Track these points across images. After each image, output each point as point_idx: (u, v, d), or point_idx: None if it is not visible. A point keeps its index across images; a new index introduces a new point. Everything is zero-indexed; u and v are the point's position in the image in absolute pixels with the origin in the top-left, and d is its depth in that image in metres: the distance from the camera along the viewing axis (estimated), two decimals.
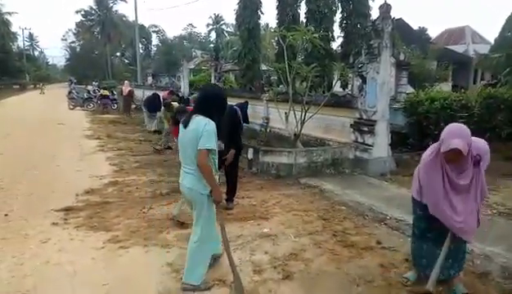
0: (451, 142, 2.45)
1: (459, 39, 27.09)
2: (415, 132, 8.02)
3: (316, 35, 7.48)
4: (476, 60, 19.17)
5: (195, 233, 3.10)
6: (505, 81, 11.97)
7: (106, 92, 19.68)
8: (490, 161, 2.76)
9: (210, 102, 3.01)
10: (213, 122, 2.90)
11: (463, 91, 9.85)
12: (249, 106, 6.95)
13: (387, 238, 4.01)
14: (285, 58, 7.74)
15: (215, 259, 3.39)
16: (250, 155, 6.90)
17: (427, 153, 2.77)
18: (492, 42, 22.22)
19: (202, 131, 2.82)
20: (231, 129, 4.84)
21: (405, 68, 10.90)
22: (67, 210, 4.86)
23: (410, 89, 11.80)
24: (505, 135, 8.38)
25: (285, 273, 3.28)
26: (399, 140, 7.86)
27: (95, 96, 20.16)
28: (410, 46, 18.08)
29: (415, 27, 24.63)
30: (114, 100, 19.48)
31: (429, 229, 2.88)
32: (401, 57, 10.59)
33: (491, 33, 58.96)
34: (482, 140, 2.75)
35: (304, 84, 7.32)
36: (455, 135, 2.49)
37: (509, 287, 3.03)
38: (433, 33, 28.15)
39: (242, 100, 7.00)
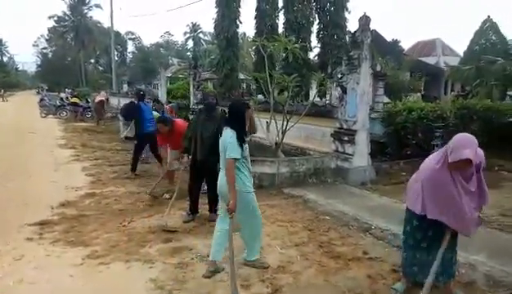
0: (462, 152, 2.49)
1: (430, 51, 28.03)
2: (393, 142, 8.17)
3: (297, 45, 7.53)
4: (448, 72, 19.86)
5: (223, 222, 3.49)
6: (476, 92, 12.44)
7: (76, 100, 19.18)
8: None
9: (235, 116, 3.49)
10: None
11: (438, 101, 10.15)
12: None
13: (373, 248, 4.01)
14: (266, 68, 7.75)
15: None
16: None
17: (431, 164, 2.76)
18: (461, 54, 23.20)
19: (228, 142, 3.32)
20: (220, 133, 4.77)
21: (381, 78, 11.12)
22: (42, 224, 4.64)
23: (385, 99, 12.07)
24: (482, 143, 8.66)
25: (273, 287, 3.21)
26: (378, 150, 7.98)
27: (68, 104, 19.61)
28: (384, 57, 18.57)
29: (388, 39, 25.37)
30: (89, 108, 19.01)
31: (424, 239, 2.91)
32: (378, 68, 10.84)
33: (460, 45, 61.45)
34: (479, 149, 2.75)
35: (286, 94, 7.32)
36: (466, 145, 2.53)
37: None
38: (406, 44, 28.97)
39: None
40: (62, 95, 23.37)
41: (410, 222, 2.99)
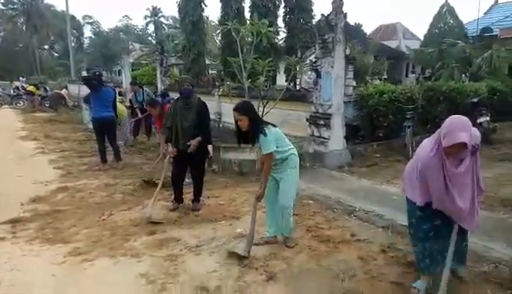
0: (456, 135, 2.39)
1: (391, 35, 28.77)
2: (366, 124, 8.32)
3: (270, 29, 7.43)
4: (411, 55, 20.46)
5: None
6: (439, 74, 12.91)
7: (32, 88, 18.10)
8: None
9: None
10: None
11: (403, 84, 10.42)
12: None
13: (359, 230, 4.08)
14: (240, 52, 7.61)
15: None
16: (210, 152, 6.69)
17: (425, 151, 2.64)
18: (421, 38, 23.95)
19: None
20: (200, 121, 4.64)
21: (351, 62, 11.28)
22: (13, 222, 4.35)
23: (353, 83, 12.27)
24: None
25: (268, 275, 3.19)
26: (351, 133, 8.10)
27: (24, 93, 18.47)
28: (350, 41, 18.82)
29: (351, 23, 25.74)
30: (47, 97, 18.00)
31: (431, 229, 2.80)
32: (347, 52, 10.98)
33: (419, 29, 63.49)
34: (476, 130, 2.65)
35: (261, 78, 7.23)
36: (460, 128, 2.42)
37: (478, 270, 3.20)
38: (367, 29, 29.56)
39: None
40: (17, 83, 21.89)
41: (413, 214, 2.89)
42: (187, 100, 4.65)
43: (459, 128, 2.43)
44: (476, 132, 2.62)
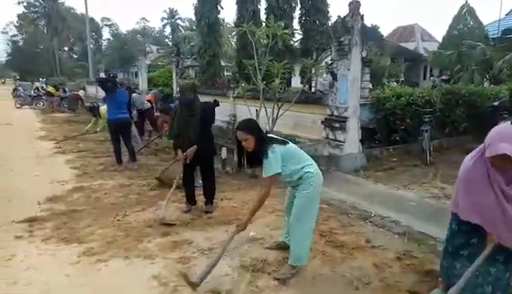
0: (498, 146, 2.15)
1: (409, 37, 28.32)
2: (382, 128, 8.19)
3: (286, 31, 7.39)
4: (429, 57, 20.10)
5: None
6: (458, 77, 12.63)
7: (51, 89, 18.48)
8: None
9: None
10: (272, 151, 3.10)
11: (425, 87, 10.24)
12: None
13: (374, 236, 4.00)
14: (255, 54, 7.59)
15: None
16: (224, 155, 6.71)
17: (467, 159, 2.43)
18: (439, 39, 23.52)
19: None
20: (205, 126, 4.65)
21: (367, 64, 11.16)
22: (30, 221, 4.42)
23: (369, 85, 12.13)
24: (463, 128, 8.83)
25: (281, 280, 3.16)
26: (367, 136, 7.99)
27: (44, 94, 18.89)
28: (367, 43, 18.62)
29: (367, 24, 25.44)
30: (66, 97, 18.36)
31: (464, 246, 2.54)
32: (364, 54, 10.87)
33: (437, 31, 62.51)
34: None
35: (276, 81, 7.19)
36: (504, 138, 2.17)
37: None
38: (384, 30, 29.24)
39: (208, 99, 6.59)
40: (37, 84, 22.44)
41: (450, 226, 2.68)
42: (190, 108, 4.60)
43: (502, 138, 2.18)
44: None
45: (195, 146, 4.55)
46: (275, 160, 3.06)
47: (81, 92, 18.21)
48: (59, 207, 4.95)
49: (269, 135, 3.43)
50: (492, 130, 2.30)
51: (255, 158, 3.19)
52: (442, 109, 8.42)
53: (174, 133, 4.74)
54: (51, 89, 18.50)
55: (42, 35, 48.67)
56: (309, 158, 3.35)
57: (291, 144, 3.29)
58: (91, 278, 3.25)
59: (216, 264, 3.01)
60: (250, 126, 3.24)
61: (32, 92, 19.64)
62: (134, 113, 9.20)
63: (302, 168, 3.19)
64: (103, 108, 8.07)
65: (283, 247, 3.64)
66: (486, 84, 11.92)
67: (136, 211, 4.78)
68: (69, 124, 13.02)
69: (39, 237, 4.00)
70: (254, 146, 3.14)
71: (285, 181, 3.32)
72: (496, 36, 15.37)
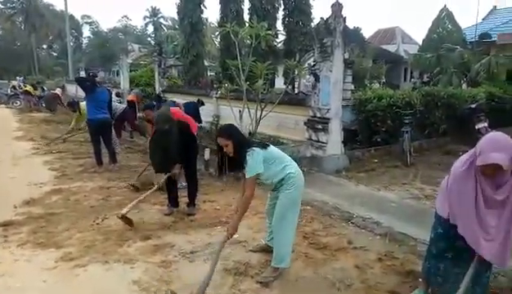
0: (489, 156, 2.13)
1: (390, 39, 28.76)
2: (364, 129, 8.29)
3: (270, 32, 7.39)
4: (410, 59, 20.48)
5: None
6: (437, 79, 12.90)
7: (29, 88, 17.98)
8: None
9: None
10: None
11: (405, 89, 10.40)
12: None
13: (356, 237, 4.04)
14: (238, 55, 7.56)
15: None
16: (207, 156, 6.66)
17: (458, 164, 2.42)
18: (420, 42, 23.97)
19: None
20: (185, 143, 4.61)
21: (349, 66, 11.28)
22: (5, 225, 4.28)
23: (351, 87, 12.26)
24: (442, 130, 9.03)
25: (263, 282, 3.14)
26: (349, 137, 8.08)
27: (21, 93, 18.37)
28: (349, 44, 18.81)
29: (350, 27, 25.71)
30: (44, 97, 17.89)
31: (449, 249, 2.54)
32: (346, 56, 10.98)
33: (417, 33, 63.78)
34: None
35: (260, 81, 7.18)
36: (495, 148, 2.15)
37: None
38: (366, 33, 29.55)
39: (191, 99, 6.55)
40: (14, 83, 21.73)
41: (435, 229, 2.66)
42: (165, 137, 4.48)
43: (494, 148, 2.16)
44: None
45: (178, 165, 4.56)
46: (256, 161, 3.10)
47: (58, 90, 17.67)
48: (36, 210, 4.81)
49: (250, 139, 3.42)
50: (484, 138, 2.29)
51: (236, 162, 3.21)
52: (422, 111, 8.57)
53: (152, 155, 4.75)
54: (29, 88, 17.99)
55: (20, 32, 47.27)
56: (290, 158, 3.39)
57: (272, 147, 3.34)
58: (69, 284, 3.16)
59: (211, 276, 2.94)
60: (229, 131, 3.26)
61: (9, 91, 19.10)
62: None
63: (283, 169, 3.23)
64: (83, 104, 7.91)
65: (266, 250, 3.63)
66: (464, 86, 12.19)
67: (116, 214, 4.66)
68: (46, 124, 12.69)
69: (15, 242, 3.87)
70: (234, 151, 3.17)
71: (267, 184, 3.33)
72: (473, 40, 15.76)
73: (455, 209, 2.41)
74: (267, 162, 3.16)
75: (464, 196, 2.32)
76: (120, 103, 10.62)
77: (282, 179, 3.22)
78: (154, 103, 6.60)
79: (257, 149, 3.15)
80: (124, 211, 4.25)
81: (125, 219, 4.24)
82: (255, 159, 3.10)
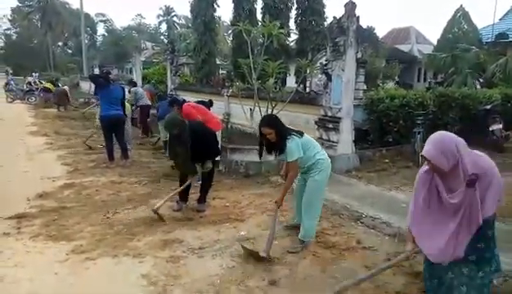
0: (424, 150, 2.22)
1: (404, 39, 28.42)
2: (375, 129, 8.21)
3: (282, 31, 7.38)
4: (424, 59, 20.20)
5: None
6: (452, 80, 12.71)
7: (49, 85, 18.25)
8: None
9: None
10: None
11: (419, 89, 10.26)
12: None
13: (365, 237, 4.01)
14: (250, 53, 7.57)
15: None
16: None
17: (423, 166, 2.45)
18: (434, 42, 23.64)
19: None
20: (202, 142, 4.56)
21: (362, 65, 11.18)
22: (19, 217, 4.36)
23: (363, 86, 12.16)
24: (455, 131, 8.85)
25: (270, 280, 3.14)
26: (360, 137, 8.01)
27: (37, 89, 18.66)
28: (362, 44, 18.64)
29: (363, 26, 25.44)
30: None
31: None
32: (359, 55, 10.89)
33: (432, 33, 62.87)
34: (487, 159, 2.23)
35: (271, 80, 7.18)
36: (428, 142, 2.22)
37: None
38: (379, 32, 29.30)
39: (203, 97, 6.56)
40: (29, 79, 22.06)
41: None
42: (178, 139, 4.46)
43: (427, 142, 2.23)
44: (482, 162, 2.19)
45: (208, 161, 4.69)
46: (296, 147, 3.59)
47: (66, 88, 17.78)
48: (49, 203, 4.90)
49: (288, 127, 3.82)
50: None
51: (278, 148, 3.67)
52: (435, 112, 8.44)
53: (174, 158, 4.85)
54: (48, 85, 18.22)
55: (36, 29, 48.14)
56: (320, 146, 3.92)
57: (306, 135, 3.82)
58: (79, 276, 3.21)
59: (273, 236, 3.58)
60: (273, 121, 3.72)
61: (24, 87, 19.41)
62: (134, 108, 9.18)
63: (315, 155, 3.74)
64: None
65: (296, 227, 3.98)
66: (478, 87, 11.98)
67: (126, 208, 4.74)
68: (60, 120, 12.88)
69: (27, 234, 3.95)
70: (277, 138, 3.62)
71: (300, 166, 3.75)
72: (489, 40, 15.49)
73: (411, 206, 2.52)
74: (303, 148, 3.63)
75: (419, 195, 2.42)
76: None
77: (313, 163, 3.72)
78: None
79: (296, 137, 3.64)
80: (157, 205, 4.33)
81: (157, 214, 4.29)
82: (295, 145, 3.58)
